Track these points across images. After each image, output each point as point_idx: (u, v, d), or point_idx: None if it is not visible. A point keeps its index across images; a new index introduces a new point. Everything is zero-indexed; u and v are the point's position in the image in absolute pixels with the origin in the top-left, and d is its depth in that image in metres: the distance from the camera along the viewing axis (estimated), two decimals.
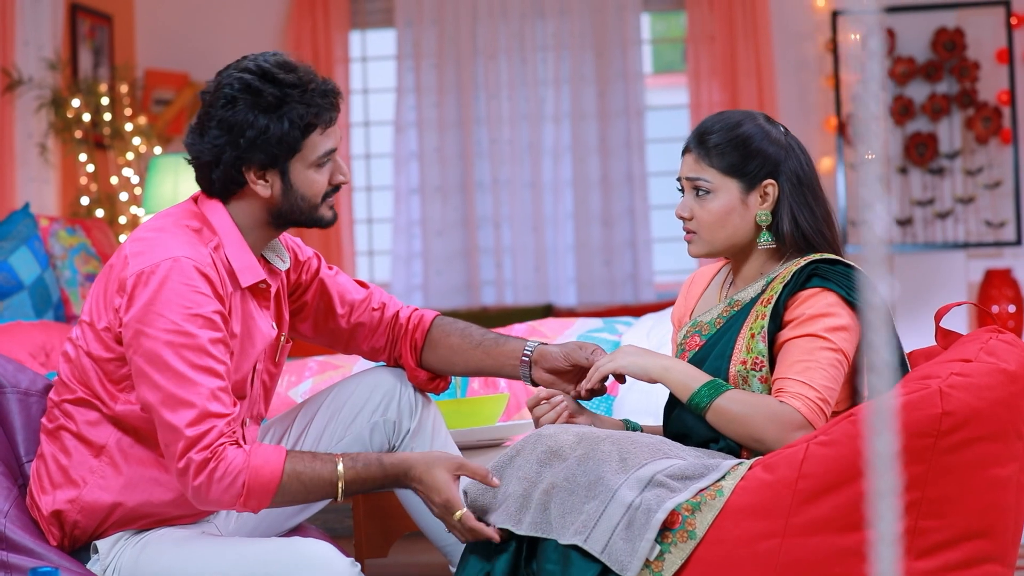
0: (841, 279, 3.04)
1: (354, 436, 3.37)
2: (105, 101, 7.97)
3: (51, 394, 3.22)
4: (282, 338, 3.35)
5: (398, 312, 3.53)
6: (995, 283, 8.60)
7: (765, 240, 3.16)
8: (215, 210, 3.17)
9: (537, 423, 3.22)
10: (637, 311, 8.37)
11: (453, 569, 3.42)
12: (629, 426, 3.27)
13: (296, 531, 3.47)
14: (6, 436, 3.32)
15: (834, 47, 8.97)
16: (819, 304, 3.02)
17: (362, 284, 3.57)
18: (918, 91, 8.85)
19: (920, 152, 8.75)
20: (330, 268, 3.54)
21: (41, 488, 3.18)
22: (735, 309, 3.18)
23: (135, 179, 8.06)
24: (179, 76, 9.08)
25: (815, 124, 9.03)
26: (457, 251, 9.32)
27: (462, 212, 9.31)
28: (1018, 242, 8.77)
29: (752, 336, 3.07)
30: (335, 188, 3.24)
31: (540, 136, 9.27)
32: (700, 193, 3.17)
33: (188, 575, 3.06)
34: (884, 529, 1.42)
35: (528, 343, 3.42)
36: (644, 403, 4.20)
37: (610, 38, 9.23)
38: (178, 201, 6.44)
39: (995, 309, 8.46)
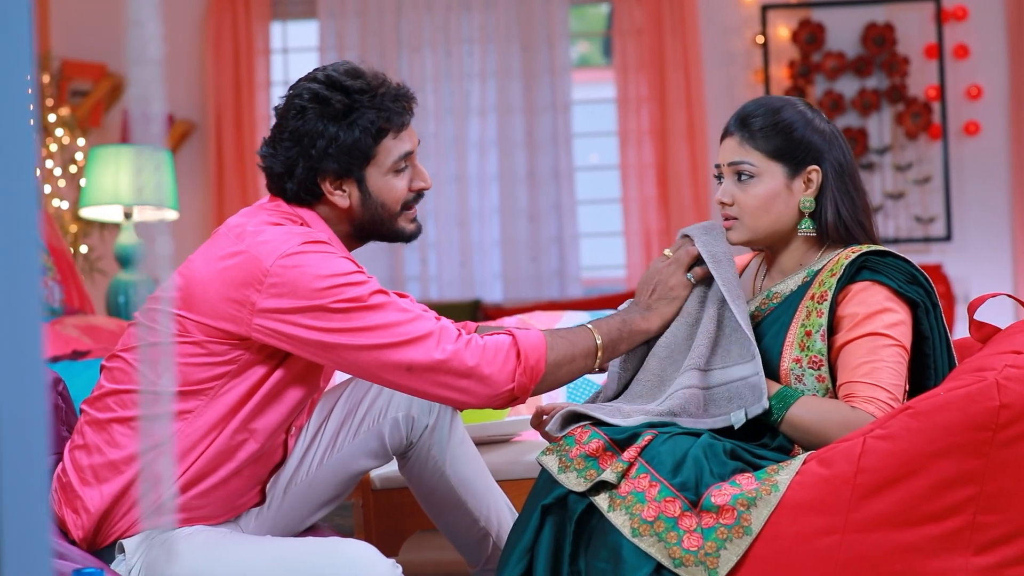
0: (892, 271, 2.99)
1: (373, 432, 3.30)
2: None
3: (108, 383, 3.04)
4: None
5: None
6: None
7: (806, 227, 3.09)
8: (309, 215, 3.11)
9: (545, 436, 3.17)
10: (564, 307, 8.27)
11: (471, 570, 3.41)
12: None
13: (311, 531, 3.37)
14: None
15: (763, 41, 8.90)
16: (873, 300, 2.97)
17: (400, 295, 3.47)
18: (848, 86, 8.82)
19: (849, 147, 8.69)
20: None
21: (83, 481, 3.02)
22: (775, 302, 3.11)
23: (58, 171, 7.86)
24: (97, 67, 8.88)
25: None
26: (381, 246, 9.16)
27: None
28: (948, 238, 8.77)
29: (808, 334, 3.00)
30: (417, 195, 3.17)
31: (465, 130, 9.16)
32: (743, 178, 3.09)
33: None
34: None
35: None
36: None
37: (536, 31, 9.14)
38: (119, 193, 6.36)
39: None
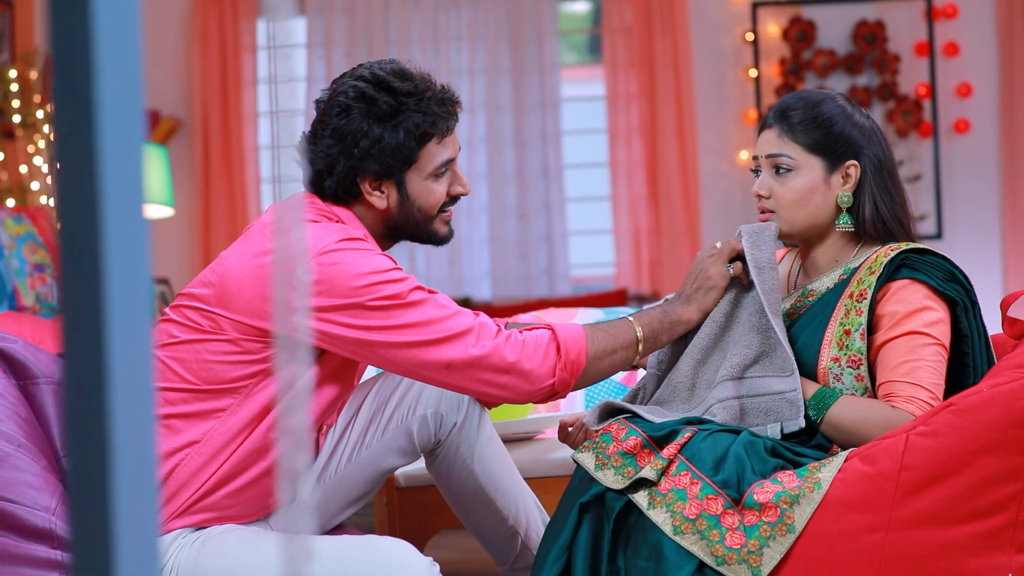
0: (931, 269, 2.97)
1: (401, 430, 3.26)
2: (15, 88, 7.70)
3: None
4: None
5: None
6: None
7: (844, 223, 3.07)
8: (345, 213, 3.07)
9: (573, 446, 3.16)
10: (554, 305, 8.23)
11: (500, 569, 3.41)
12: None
13: (337, 529, 3.34)
14: (43, 430, 3.11)
15: (754, 39, 8.88)
16: (913, 298, 2.94)
17: None
18: (839, 83, 8.81)
19: None
20: None
21: None
22: (811, 300, 3.09)
23: (46, 168, 7.79)
24: None
25: (733, 116, 8.96)
26: None
27: None
28: (939, 235, 8.77)
29: (847, 333, 2.97)
30: (453, 199, 3.13)
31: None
32: (781, 171, 3.06)
33: (255, 574, 2.88)
34: None
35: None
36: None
37: (525, 28, 9.10)
38: None
39: None
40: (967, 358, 2.97)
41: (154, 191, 6.35)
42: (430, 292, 2.93)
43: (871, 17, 8.80)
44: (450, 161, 3.07)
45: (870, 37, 8.76)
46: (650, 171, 9.01)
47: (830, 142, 3.04)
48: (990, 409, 2.68)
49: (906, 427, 2.76)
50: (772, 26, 8.97)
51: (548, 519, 3.28)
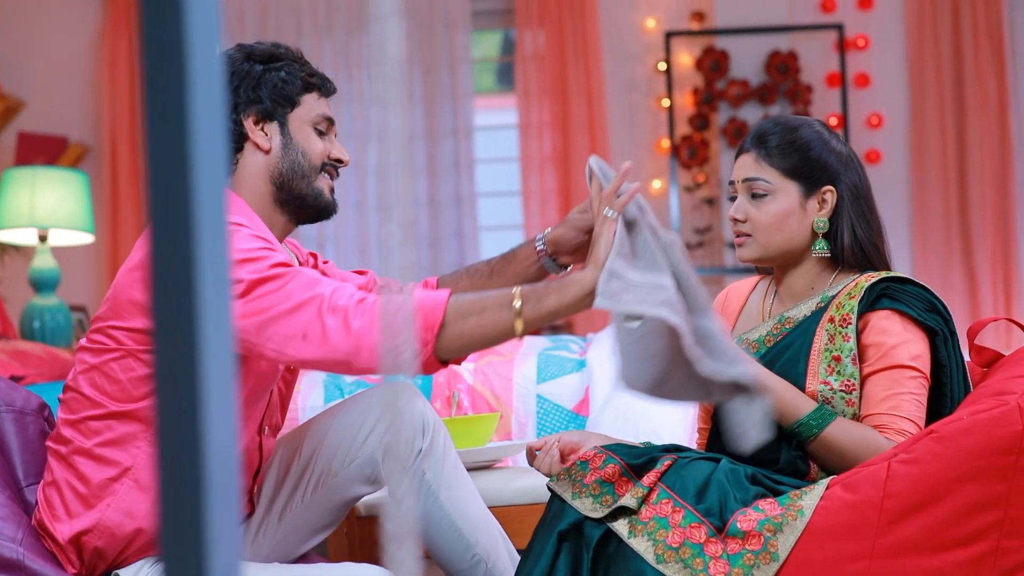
0: (911, 300, 2.96)
1: (366, 457, 3.18)
2: None
3: (63, 414, 2.94)
4: None
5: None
6: None
7: (820, 248, 3.05)
8: (236, 201, 3.02)
9: (541, 470, 3.11)
10: None
11: None
12: (647, 446, 3.12)
13: (303, 559, 3.27)
14: (5, 460, 3.03)
15: (666, 68, 8.92)
16: (896, 329, 2.94)
17: (359, 272, 3.46)
18: (751, 114, 8.86)
19: None
20: (325, 262, 3.41)
21: (54, 517, 2.91)
22: (787, 327, 3.08)
23: None
24: None
25: (645, 145, 8.98)
26: None
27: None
28: None
29: (836, 359, 2.96)
30: (335, 164, 3.14)
31: (365, 155, 9.07)
32: (757, 195, 3.05)
33: None
34: None
35: (536, 239, 3.23)
36: (620, 423, 4.06)
37: (439, 56, 9.07)
38: (36, 215, 6.18)
39: None
40: (944, 388, 2.97)
41: (75, 217, 6.24)
42: (293, 268, 2.81)
43: (784, 48, 8.87)
44: (331, 122, 3.12)
45: (783, 68, 8.82)
46: (563, 199, 9.00)
47: (807, 167, 3.03)
48: (971, 437, 2.68)
49: (887, 455, 2.75)
50: (685, 56, 9.01)
51: (512, 548, 3.24)
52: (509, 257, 3.27)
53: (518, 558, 3.11)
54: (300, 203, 3.09)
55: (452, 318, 2.70)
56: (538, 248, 3.21)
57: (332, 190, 3.14)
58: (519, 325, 2.70)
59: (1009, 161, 8.77)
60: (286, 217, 3.12)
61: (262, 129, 3.05)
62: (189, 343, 1.04)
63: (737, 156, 3.13)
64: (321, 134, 3.10)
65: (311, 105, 3.09)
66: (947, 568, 2.68)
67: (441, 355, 2.73)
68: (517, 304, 2.70)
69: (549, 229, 3.22)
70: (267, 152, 3.05)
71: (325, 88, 3.14)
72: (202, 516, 1.04)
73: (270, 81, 3.04)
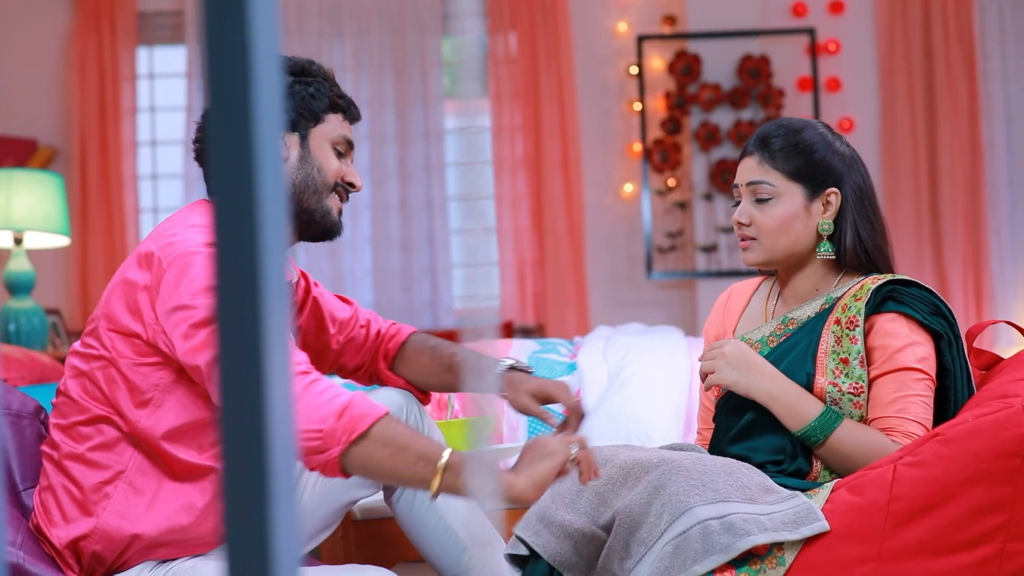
0: (917, 303, 2.96)
1: None
2: None
3: (55, 419, 2.92)
4: None
5: (379, 329, 3.38)
6: None
7: (825, 250, 3.05)
8: None
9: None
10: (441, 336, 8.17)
11: None
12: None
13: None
14: (2, 463, 3.00)
15: (638, 72, 8.92)
16: (902, 332, 2.94)
17: (344, 300, 3.47)
18: (724, 118, 8.86)
19: (725, 179, 8.75)
20: (316, 285, 3.41)
21: (51, 522, 2.89)
22: (791, 327, 3.07)
23: None
24: None
25: (617, 149, 8.99)
26: None
27: None
28: None
29: (844, 361, 2.95)
30: (347, 188, 3.12)
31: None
32: (761, 198, 3.03)
33: None
34: None
35: (499, 364, 3.26)
36: (612, 427, 4.04)
37: (410, 60, 9.06)
38: (11, 217, 6.12)
39: None
40: (948, 391, 2.97)
41: (50, 220, 6.19)
42: None
43: (756, 52, 8.88)
44: (350, 146, 3.12)
45: (755, 72, 8.83)
46: (535, 203, 9.00)
47: (811, 169, 3.03)
48: (977, 439, 2.68)
49: (892, 457, 2.76)
50: (657, 60, 9.01)
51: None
52: (471, 367, 3.30)
53: None
54: (307, 218, 3.06)
55: (374, 437, 2.55)
56: (496, 371, 3.26)
57: (340, 212, 3.11)
58: (435, 484, 2.55)
59: (980, 165, 8.80)
60: (289, 231, 3.10)
61: (283, 139, 3.01)
62: (253, 345, 1.03)
63: (740, 159, 3.12)
64: (340, 155, 3.10)
65: (334, 125, 3.08)
66: (953, 571, 2.68)
67: (345, 463, 2.57)
68: (440, 463, 2.55)
69: (516, 369, 3.24)
70: (284, 161, 3.01)
71: (350, 112, 3.13)
72: (267, 513, 1.03)
73: (298, 93, 3.05)
